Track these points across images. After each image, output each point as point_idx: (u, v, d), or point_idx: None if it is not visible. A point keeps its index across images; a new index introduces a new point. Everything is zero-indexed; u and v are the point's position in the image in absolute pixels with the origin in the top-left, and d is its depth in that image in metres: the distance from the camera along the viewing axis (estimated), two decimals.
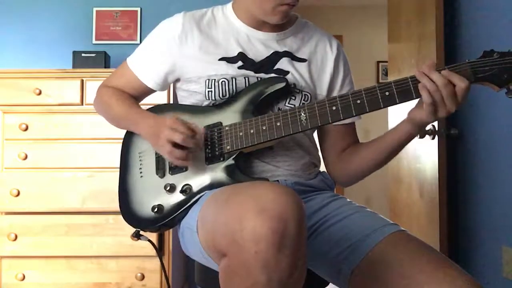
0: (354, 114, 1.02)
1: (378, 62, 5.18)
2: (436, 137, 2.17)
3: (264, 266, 0.72)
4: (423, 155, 2.34)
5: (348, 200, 1.16)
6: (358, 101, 1.01)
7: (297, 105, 1.14)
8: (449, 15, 2.31)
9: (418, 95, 0.98)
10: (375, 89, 1.00)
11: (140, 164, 1.18)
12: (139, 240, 1.17)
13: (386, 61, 3.05)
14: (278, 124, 1.06)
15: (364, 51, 4.94)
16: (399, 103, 1.00)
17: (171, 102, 2.13)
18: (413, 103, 1.04)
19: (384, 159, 1.14)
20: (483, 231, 2.14)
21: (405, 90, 0.99)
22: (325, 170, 1.26)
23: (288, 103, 1.14)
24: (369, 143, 1.17)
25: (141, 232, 1.16)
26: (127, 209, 1.15)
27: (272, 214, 0.73)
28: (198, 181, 1.10)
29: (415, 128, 1.05)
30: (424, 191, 2.36)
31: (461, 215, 2.31)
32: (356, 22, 5.11)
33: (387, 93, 0.99)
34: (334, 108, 1.02)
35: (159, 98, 1.81)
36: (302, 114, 1.04)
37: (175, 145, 1.04)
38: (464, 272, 0.88)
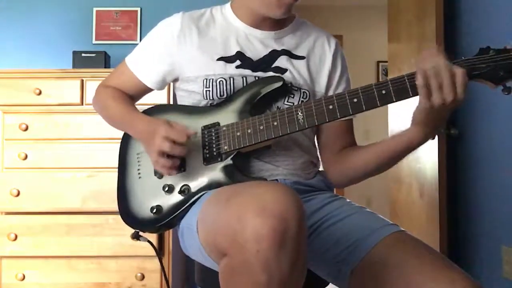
0: (351, 113, 1.01)
1: (378, 62, 5.19)
2: (436, 137, 2.16)
3: (265, 266, 0.72)
4: (423, 155, 2.34)
5: (348, 200, 1.16)
6: (355, 100, 1.00)
7: (296, 103, 1.14)
8: (449, 15, 2.31)
9: (415, 93, 0.96)
10: (372, 88, 0.99)
11: (139, 165, 1.18)
12: (139, 241, 1.17)
13: (386, 61, 3.05)
14: (275, 123, 1.05)
15: (364, 51, 4.94)
16: (396, 101, 0.99)
17: (171, 102, 2.13)
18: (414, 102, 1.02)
19: (385, 163, 1.12)
20: (483, 231, 2.14)
21: (401, 88, 0.97)
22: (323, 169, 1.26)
23: (287, 102, 1.14)
24: (370, 146, 1.15)
25: (140, 233, 1.16)
26: (125, 210, 1.15)
27: (273, 213, 0.73)
28: (196, 181, 1.10)
29: (417, 128, 1.01)
30: (424, 191, 2.36)
31: (461, 215, 2.31)
32: (356, 22, 5.11)
33: (383, 92, 0.98)
34: (331, 107, 1.02)
35: (159, 97, 1.81)
36: (299, 113, 1.04)
37: (165, 154, 1.04)
38: (464, 274, 0.88)
